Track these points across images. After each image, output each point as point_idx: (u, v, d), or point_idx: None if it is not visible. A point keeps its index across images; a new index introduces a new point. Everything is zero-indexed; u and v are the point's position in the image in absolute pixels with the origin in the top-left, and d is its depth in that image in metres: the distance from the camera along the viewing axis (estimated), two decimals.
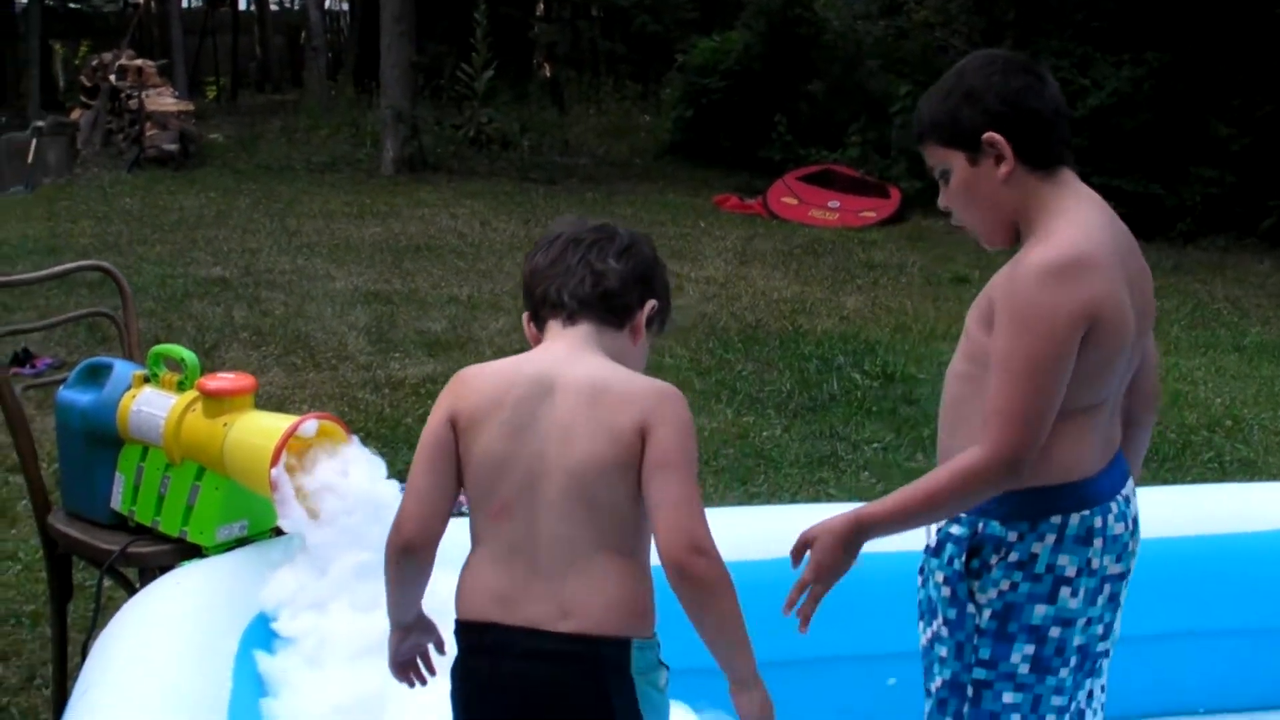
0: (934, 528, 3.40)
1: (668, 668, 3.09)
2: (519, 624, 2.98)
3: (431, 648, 3.28)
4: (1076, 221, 3.19)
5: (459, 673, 3.11)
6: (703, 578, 2.92)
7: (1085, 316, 3.10)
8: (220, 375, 4.35)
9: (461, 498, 3.11)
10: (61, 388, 4.65)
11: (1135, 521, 3.38)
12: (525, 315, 3.22)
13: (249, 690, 3.75)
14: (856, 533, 3.23)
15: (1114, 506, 3.29)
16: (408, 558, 3.06)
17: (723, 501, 6.98)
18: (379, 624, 3.59)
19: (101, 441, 4.49)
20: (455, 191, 16.70)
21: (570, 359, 3.06)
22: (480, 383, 3.07)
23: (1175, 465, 7.84)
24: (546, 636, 2.97)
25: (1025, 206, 3.24)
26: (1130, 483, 3.40)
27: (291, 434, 4.05)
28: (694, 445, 3.00)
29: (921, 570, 3.45)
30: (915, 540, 3.47)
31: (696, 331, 10.53)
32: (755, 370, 9.53)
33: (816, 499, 7.01)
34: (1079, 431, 3.22)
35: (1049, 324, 3.09)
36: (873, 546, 3.30)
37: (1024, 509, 3.24)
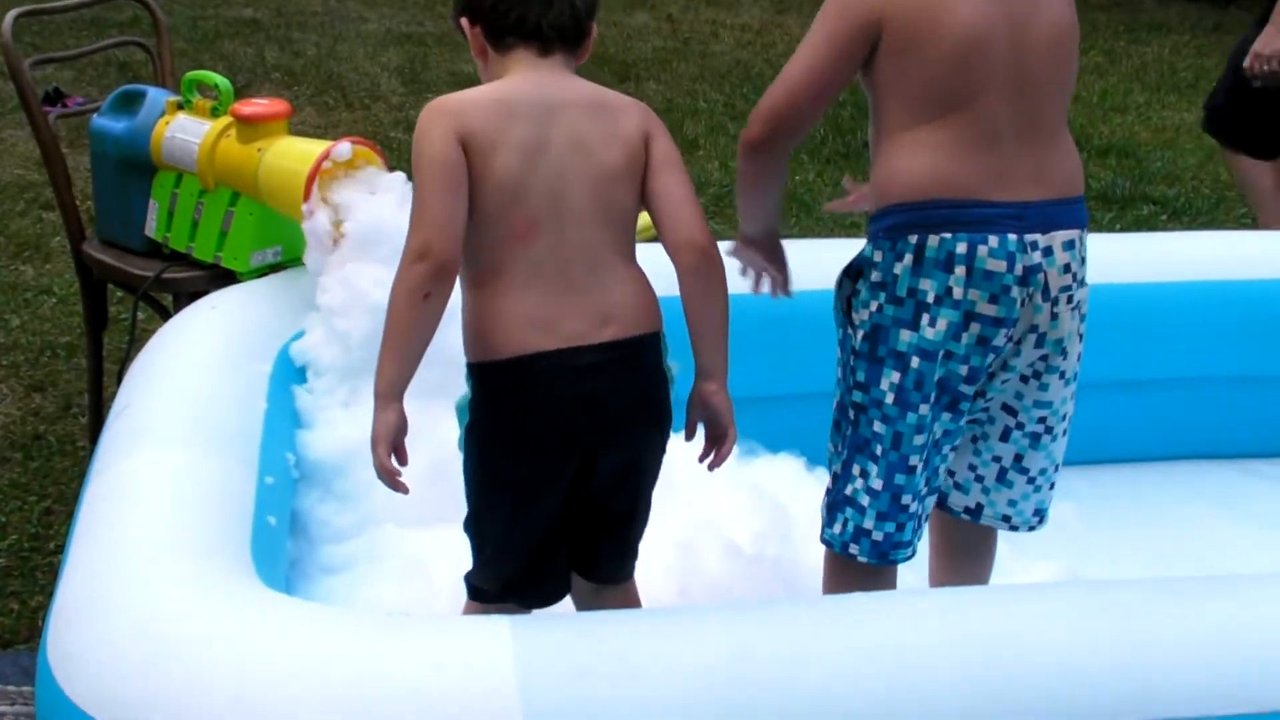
0: None
1: (676, 364, 3.12)
2: (561, 345, 2.95)
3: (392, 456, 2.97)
4: None
5: (491, 410, 3.02)
6: (718, 263, 3.01)
7: (870, 20, 3.05)
8: (254, 101, 4.32)
9: None
10: (95, 115, 4.63)
11: (1033, 272, 3.12)
12: (471, 25, 3.08)
13: (282, 412, 3.79)
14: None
15: (994, 240, 3.09)
16: (440, 283, 2.86)
17: None
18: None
19: (135, 168, 4.47)
20: None
21: (562, 83, 3.04)
22: (478, 106, 2.97)
23: None
24: (590, 350, 2.96)
25: None
26: (1063, 235, 3.16)
27: (326, 157, 4.02)
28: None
29: None
30: None
31: (731, 77, 10.39)
32: None
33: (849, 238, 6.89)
34: (929, 149, 3.10)
35: (833, 13, 3.10)
36: None
37: (886, 228, 3.17)
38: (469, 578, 3.22)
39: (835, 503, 3.34)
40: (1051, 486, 3.47)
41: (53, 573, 3.96)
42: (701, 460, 3.13)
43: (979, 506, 3.46)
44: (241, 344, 3.87)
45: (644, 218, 3.05)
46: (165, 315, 4.44)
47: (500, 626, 2.69)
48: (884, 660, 2.67)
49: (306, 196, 3.99)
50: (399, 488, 2.95)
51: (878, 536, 3.28)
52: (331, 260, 4.00)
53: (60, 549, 4.23)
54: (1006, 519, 3.46)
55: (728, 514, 3.85)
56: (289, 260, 4.29)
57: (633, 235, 3.06)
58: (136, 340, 4.39)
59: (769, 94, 3.18)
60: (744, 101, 9.74)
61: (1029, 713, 2.63)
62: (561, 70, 3.06)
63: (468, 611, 3.23)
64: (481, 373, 3.01)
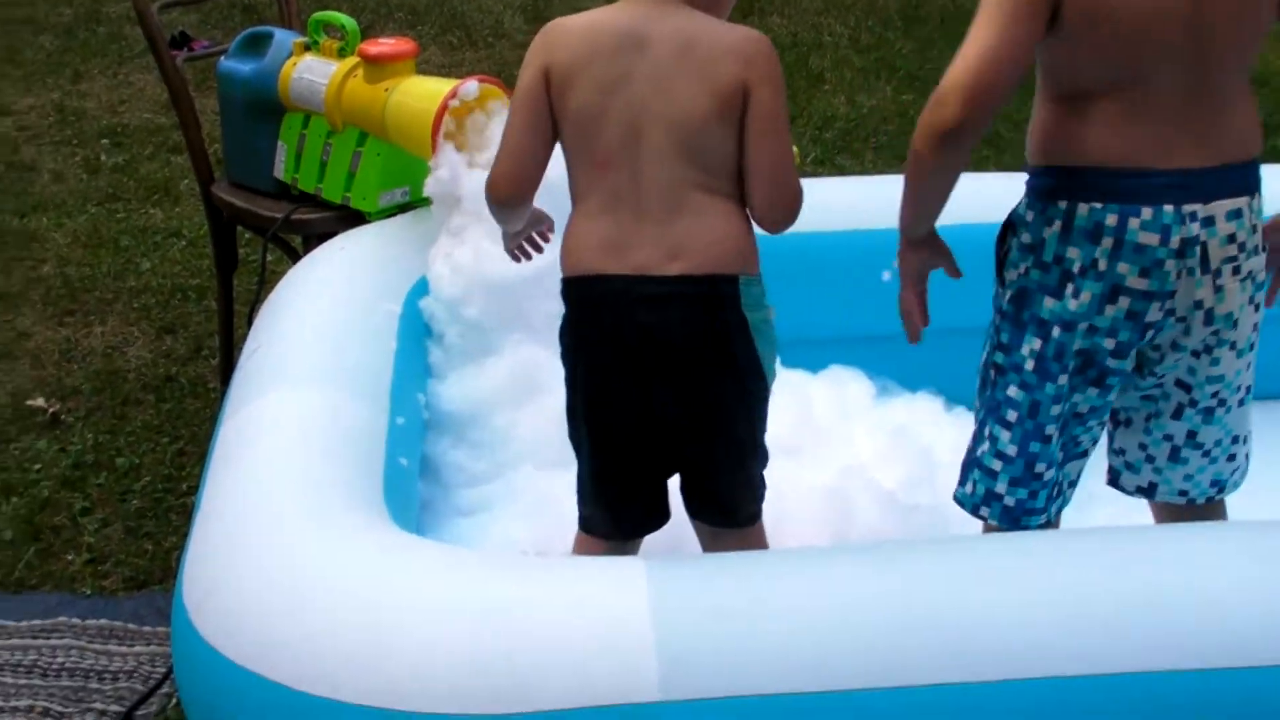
0: None
1: (773, 309, 3.09)
2: (629, 271, 2.99)
3: (541, 232, 3.41)
4: None
5: (570, 327, 3.13)
6: (791, 224, 3.02)
7: None
8: (381, 40, 4.30)
9: None
10: (222, 58, 4.64)
11: (1191, 244, 2.95)
12: None
13: (413, 352, 3.80)
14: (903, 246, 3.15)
15: (1147, 213, 2.93)
16: (503, 210, 3.18)
17: (887, 174, 6.75)
18: (538, 307, 3.70)
19: (263, 110, 4.48)
20: None
21: (657, 15, 2.99)
22: (570, 37, 3.02)
23: None
24: (656, 281, 2.97)
25: None
26: (1227, 204, 2.95)
27: (453, 96, 4.01)
28: (787, 102, 3.00)
29: None
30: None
31: (856, 9, 10.25)
32: (915, 49, 9.27)
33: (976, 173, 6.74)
34: (1092, 116, 2.94)
35: None
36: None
37: (1041, 188, 3.05)
38: (578, 500, 3.27)
39: (968, 463, 3.28)
40: (1231, 458, 3.27)
41: (186, 514, 3.98)
42: None
43: (1152, 485, 3.30)
44: (371, 284, 3.87)
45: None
46: (294, 257, 4.46)
47: (635, 566, 2.67)
48: (1031, 599, 2.59)
49: (435, 135, 3.98)
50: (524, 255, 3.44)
51: (1009, 502, 3.20)
52: (444, 234, 3.99)
53: (193, 490, 4.28)
54: (1183, 493, 3.29)
55: (873, 459, 3.79)
56: (417, 200, 4.28)
57: (728, 174, 2.99)
58: (266, 282, 4.41)
59: (966, 70, 2.85)
60: (868, 34, 9.66)
61: (1173, 653, 2.53)
62: (661, 1, 3.01)
63: (576, 543, 3.28)
64: (563, 286, 3.11)
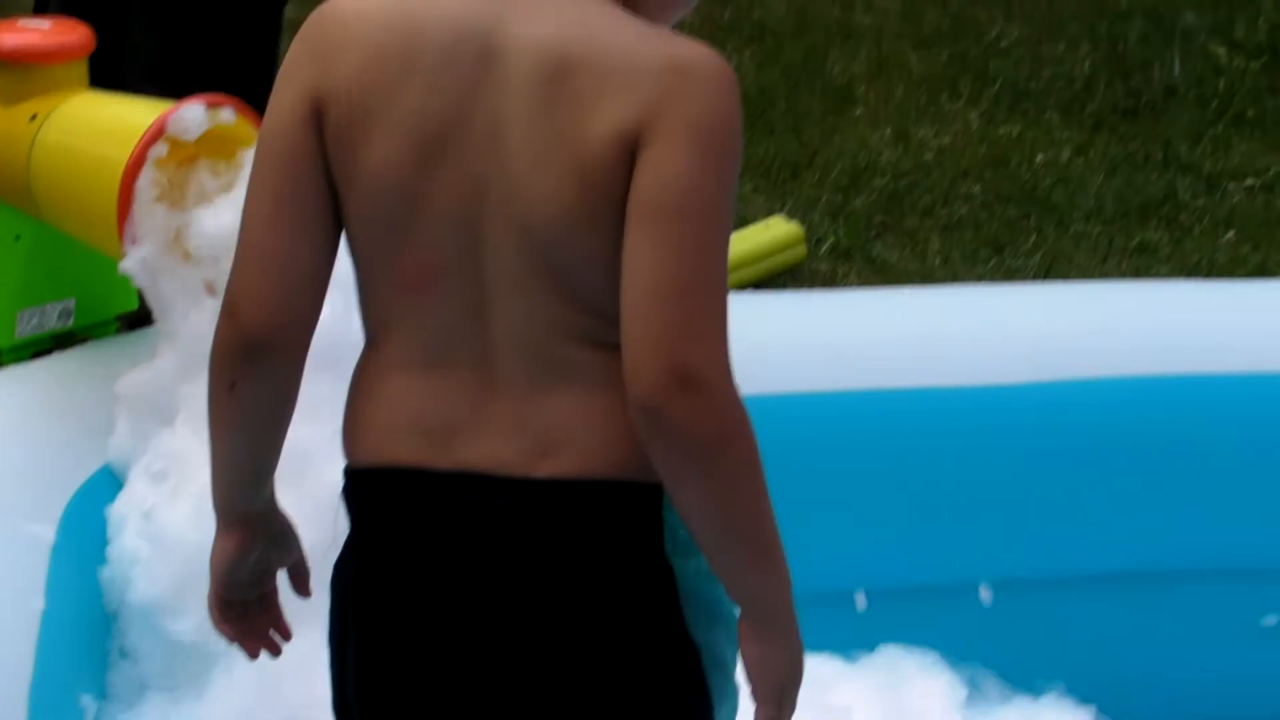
0: None
1: None
2: (466, 468, 2.60)
3: (286, 578, 2.91)
4: None
5: (356, 554, 2.75)
6: (690, 430, 2.50)
7: None
8: (24, 22, 4.00)
9: None
10: None
11: None
12: None
13: (78, 622, 3.59)
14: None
15: None
16: (256, 365, 2.68)
17: (965, 276, 6.59)
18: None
19: None
20: None
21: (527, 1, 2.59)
22: (361, 36, 2.61)
23: None
24: (511, 487, 2.58)
25: None
26: None
27: (160, 132, 3.66)
28: (726, 175, 2.50)
29: None
30: None
31: None
32: (1024, 40, 8.91)
33: (1132, 276, 6.57)
34: None
35: None
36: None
37: None
38: None
39: None
40: None
41: None
42: None
43: None
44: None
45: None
46: None
47: None
48: None
49: (123, 208, 3.65)
50: (255, 648, 2.91)
51: None
52: (139, 473, 3.74)
53: None
54: None
55: None
56: (88, 326, 4.04)
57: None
58: None
59: None
60: (939, 11, 9.41)
61: None
62: None
63: None
64: (347, 482, 2.77)
